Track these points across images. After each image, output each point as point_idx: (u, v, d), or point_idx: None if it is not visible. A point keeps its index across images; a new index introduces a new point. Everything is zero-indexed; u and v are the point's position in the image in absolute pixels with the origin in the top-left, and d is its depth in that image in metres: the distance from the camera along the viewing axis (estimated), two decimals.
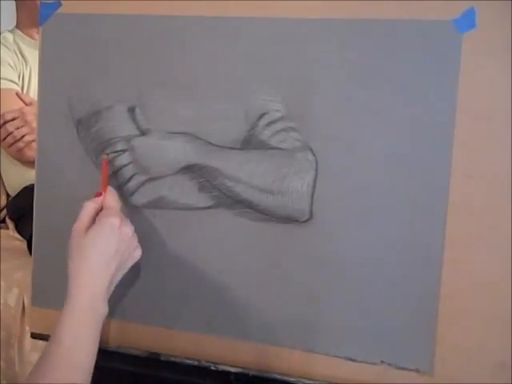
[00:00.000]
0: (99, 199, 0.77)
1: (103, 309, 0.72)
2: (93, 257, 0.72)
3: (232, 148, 0.78)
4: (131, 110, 0.82)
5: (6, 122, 1.47)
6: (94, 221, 0.74)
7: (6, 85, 1.55)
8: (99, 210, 0.76)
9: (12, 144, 1.49)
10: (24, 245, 1.48)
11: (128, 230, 0.75)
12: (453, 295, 0.70)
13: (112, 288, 0.74)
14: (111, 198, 0.78)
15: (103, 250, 0.72)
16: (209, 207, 0.79)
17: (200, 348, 0.81)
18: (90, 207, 0.75)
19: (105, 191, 0.78)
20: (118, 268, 0.74)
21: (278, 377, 0.78)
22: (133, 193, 0.82)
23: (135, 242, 0.76)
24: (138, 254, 0.77)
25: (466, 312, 0.70)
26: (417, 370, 0.72)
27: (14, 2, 1.67)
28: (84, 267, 0.72)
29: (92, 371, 0.70)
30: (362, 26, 0.72)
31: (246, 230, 0.78)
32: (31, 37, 1.63)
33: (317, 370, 0.76)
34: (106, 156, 0.80)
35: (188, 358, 0.81)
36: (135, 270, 0.78)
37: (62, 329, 0.70)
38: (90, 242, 0.72)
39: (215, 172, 0.78)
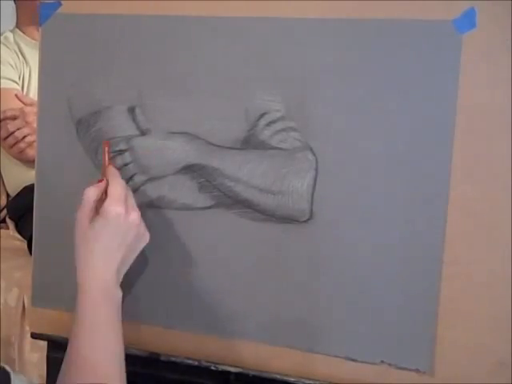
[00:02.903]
0: (101, 185, 0.74)
1: (116, 294, 0.72)
2: (99, 250, 0.71)
3: (232, 148, 0.78)
4: (131, 110, 0.82)
5: (6, 118, 1.47)
6: (96, 208, 0.73)
7: (6, 84, 1.55)
8: (104, 198, 0.73)
9: (14, 145, 1.49)
10: (24, 245, 1.48)
11: (135, 216, 0.73)
12: (453, 295, 0.70)
13: (122, 274, 0.74)
14: (114, 183, 0.74)
15: (109, 243, 0.72)
16: (209, 207, 0.79)
17: (200, 348, 0.81)
18: (90, 194, 0.73)
19: (106, 177, 0.75)
20: (126, 256, 0.73)
21: (278, 377, 0.78)
22: (133, 193, 0.82)
23: (143, 226, 0.74)
24: (146, 237, 0.75)
25: (465, 312, 0.70)
26: (417, 370, 0.72)
27: (14, 2, 1.67)
28: (90, 261, 0.72)
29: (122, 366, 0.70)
30: (362, 25, 0.71)
31: (246, 230, 0.78)
32: (31, 37, 1.63)
33: (317, 370, 0.76)
34: (106, 142, 0.79)
35: (188, 358, 0.81)
36: (135, 270, 0.78)
37: (77, 326, 0.70)
38: (96, 234, 0.71)
39: (215, 172, 0.78)
